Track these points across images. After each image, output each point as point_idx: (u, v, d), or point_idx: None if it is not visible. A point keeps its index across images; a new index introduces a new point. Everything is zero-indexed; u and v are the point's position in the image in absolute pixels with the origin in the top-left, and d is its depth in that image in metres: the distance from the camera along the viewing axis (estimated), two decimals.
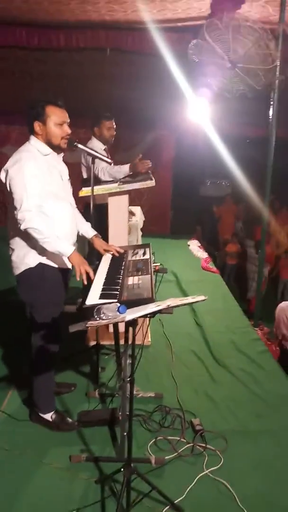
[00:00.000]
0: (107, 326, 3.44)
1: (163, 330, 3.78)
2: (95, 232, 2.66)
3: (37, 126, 2.27)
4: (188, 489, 2.14)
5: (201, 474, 2.25)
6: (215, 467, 2.30)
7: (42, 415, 2.54)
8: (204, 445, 2.45)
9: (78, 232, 2.58)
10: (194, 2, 3.76)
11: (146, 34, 4.34)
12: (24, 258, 2.33)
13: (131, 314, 1.64)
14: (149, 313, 1.67)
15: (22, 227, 2.15)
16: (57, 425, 2.52)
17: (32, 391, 2.54)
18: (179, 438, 2.50)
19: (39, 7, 3.73)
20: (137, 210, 4.69)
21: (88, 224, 2.68)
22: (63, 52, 4.74)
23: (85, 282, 2.22)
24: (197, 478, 2.22)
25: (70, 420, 2.56)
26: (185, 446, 2.44)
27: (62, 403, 2.75)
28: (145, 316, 1.68)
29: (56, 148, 2.34)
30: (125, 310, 1.64)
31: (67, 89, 6.08)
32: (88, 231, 2.65)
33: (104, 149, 3.84)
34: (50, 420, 2.53)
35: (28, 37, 4.35)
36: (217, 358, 3.35)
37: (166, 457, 2.35)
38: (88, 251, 3.12)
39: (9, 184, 2.18)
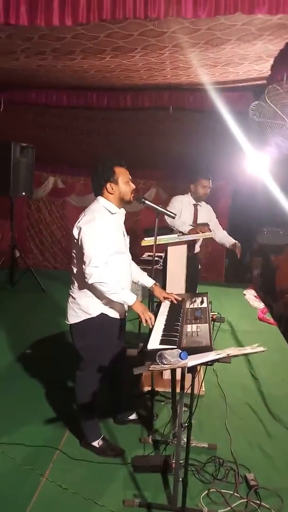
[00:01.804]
0: (161, 372, 3.54)
1: (217, 380, 3.81)
2: (153, 281, 2.86)
3: (109, 186, 2.54)
4: None
5: None
6: None
7: (90, 442, 2.76)
8: (258, 502, 2.43)
9: (138, 282, 2.81)
10: (255, 65, 4.05)
11: (207, 93, 4.68)
12: (87, 308, 2.54)
13: (193, 360, 1.75)
14: (209, 361, 1.78)
15: (90, 281, 2.37)
16: (104, 451, 2.73)
17: (80, 422, 2.78)
18: (232, 492, 2.49)
19: (111, 75, 4.17)
20: None
21: (145, 274, 2.89)
22: (128, 111, 5.18)
23: (150, 326, 2.41)
24: None
25: (115, 446, 2.75)
26: (239, 501, 2.43)
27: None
28: (205, 364, 1.79)
29: (127, 203, 2.60)
30: (186, 356, 1.77)
31: (131, 144, 6.55)
32: (148, 280, 2.85)
33: (194, 205, 4.28)
34: (97, 446, 2.75)
35: (98, 99, 4.84)
36: (273, 412, 3.32)
37: (219, 511, 2.36)
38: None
39: (81, 240, 2.43)
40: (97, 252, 2.38)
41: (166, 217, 3.88)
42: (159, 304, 2.80)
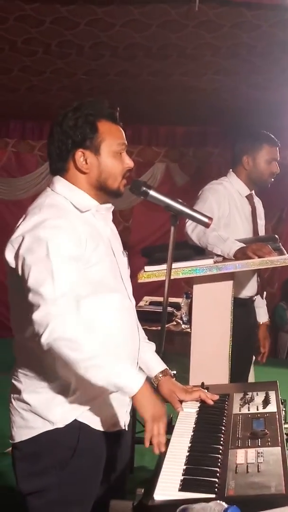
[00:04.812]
0: None
1: None
2: (163, 366, 2.85)
3: (81, 157, 2.54)
4: None
5: None
6: None
7: None
8: None
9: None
10: None
11: None
12: (45, 411, 2.50)
13: None
14: None
15: (44, 339, 2.25)
16: None
17: None
18: None
19: None
20: None
21: (151, 346, 2.89)
22: (111, 6, 5.26)
23: (157, 451, 2.36)
24: None
25: None
26: None
27: None
28: None
29: (113, 195, 2.61)
30: None
31: (112, 75, 6.65)
32: (151, 362, 2.84)
33: (248, 196, 4.46)
34: None
35: None
36: None
37: None
38: None
39: (22, 265, 2.38)
40: (55, 276, 2.32)
41: (188, 225, 3.92)
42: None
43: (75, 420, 2.51)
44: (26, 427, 2.54)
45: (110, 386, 2.37)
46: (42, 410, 2.52)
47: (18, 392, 2.56)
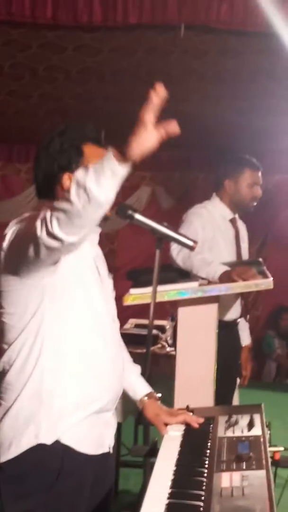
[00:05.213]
0: None
1: None
2: (148, 389, 2.85)
3: (67, 181, 2.52)
4: None
5: None
6: None
7: None
8: None
9: None
10: None
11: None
12: (30, 425, 2.47)
13: None
14: None
15: (54, 228, 2.10)
16: None
17: None
18: None
19: None
20: None
21: (136, 369, 2.89)
22: (96, 32, 5.29)
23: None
24: None
25: None
26: None
27: None
28: None
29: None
30: None
31: (100, 100, 6.67)
32: (137, 385, 2.84)
33: (231, 220, 4.54)
34: None
35: (34, 6, 4.92)
36: None
37: None
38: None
39: (11, 239, 2.37)
40: None
41: (173, 248, 3.96)
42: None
43: (59, 442, 2.47)
44: (9, 446, 2.49)
45: (110, 169, 2.13)
46: (25, 426, 2.48)
47: (1, 409, 2.53)
